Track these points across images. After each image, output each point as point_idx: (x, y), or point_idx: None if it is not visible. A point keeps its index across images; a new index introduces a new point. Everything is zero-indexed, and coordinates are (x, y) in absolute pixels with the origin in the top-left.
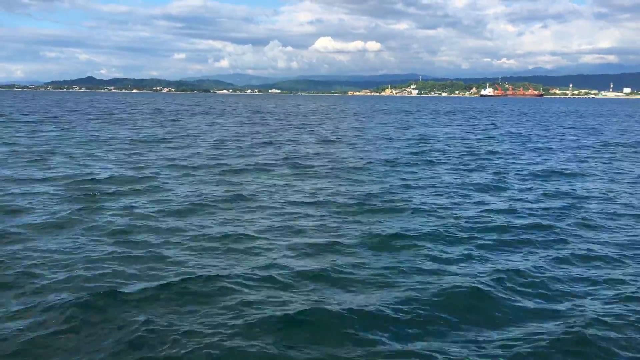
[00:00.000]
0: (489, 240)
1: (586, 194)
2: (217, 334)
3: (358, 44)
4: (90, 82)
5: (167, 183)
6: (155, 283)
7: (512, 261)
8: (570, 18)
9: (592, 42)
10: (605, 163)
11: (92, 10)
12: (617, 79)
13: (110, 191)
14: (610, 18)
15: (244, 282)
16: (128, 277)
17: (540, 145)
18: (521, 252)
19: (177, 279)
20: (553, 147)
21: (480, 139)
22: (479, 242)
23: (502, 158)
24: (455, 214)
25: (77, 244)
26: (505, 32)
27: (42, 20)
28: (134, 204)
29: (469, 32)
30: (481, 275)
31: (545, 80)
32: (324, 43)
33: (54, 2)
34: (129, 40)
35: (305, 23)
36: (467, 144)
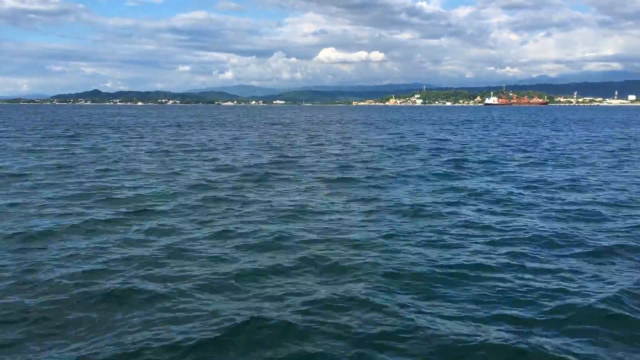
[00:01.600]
0: None
1: None
2: None
3: (362, 54)
4: (96, 96)
5: None
6: None
7: None
8: (574, 26)
9: (596, 49)
10: None
11: (97, 24)
12: (622, 87)
13: None
14: (614, 26)
15: None
16: None
17: None
18: None
19: None
20: None
21: None
22: None
23: None
24: None
25: None
26: (508, 40)
27: (47, 34)
28: None
29: (473, 41)
30: None
31: (549, 89)
32: (328, 54)
33: (60, 17)
34: (134, 53)
35: (309, 34)
36: None
